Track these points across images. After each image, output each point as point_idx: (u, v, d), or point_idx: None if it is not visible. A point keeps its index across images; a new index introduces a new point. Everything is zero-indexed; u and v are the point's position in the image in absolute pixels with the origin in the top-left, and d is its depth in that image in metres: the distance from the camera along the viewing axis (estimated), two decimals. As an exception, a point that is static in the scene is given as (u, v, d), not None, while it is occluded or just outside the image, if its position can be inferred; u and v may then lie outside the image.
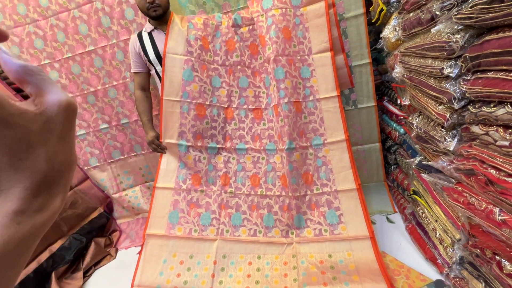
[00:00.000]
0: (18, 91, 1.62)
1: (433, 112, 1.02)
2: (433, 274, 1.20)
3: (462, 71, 0.84)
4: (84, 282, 1.55)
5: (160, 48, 1.43)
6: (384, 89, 1.89)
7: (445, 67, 0.88)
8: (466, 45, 0.81)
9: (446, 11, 0.86)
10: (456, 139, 0.94)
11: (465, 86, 0.83)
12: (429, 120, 1.13)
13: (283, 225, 1.39)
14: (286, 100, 1.38)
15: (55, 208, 0.20)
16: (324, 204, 1.39)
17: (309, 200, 1.41)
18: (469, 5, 0.74)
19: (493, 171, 0.76)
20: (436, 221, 1.18)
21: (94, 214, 1.84)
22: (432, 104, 1.04)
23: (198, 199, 1.44)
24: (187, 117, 1.43)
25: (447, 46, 0.85)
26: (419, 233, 1.34)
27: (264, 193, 1.43)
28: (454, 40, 0.82)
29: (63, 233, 1.63)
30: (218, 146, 1.48)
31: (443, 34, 0.87)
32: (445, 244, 1.12)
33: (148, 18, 1.45)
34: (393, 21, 1.40)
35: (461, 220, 0.99)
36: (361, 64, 1.69)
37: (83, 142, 1.88)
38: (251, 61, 1.50)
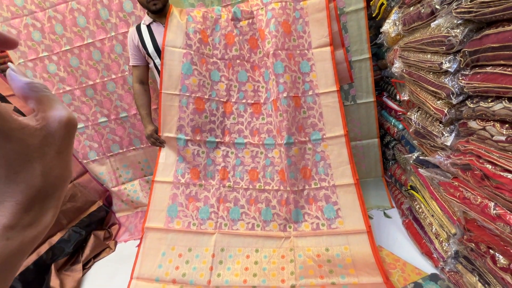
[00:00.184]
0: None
1: (431, 107, 1.02)
2: (428, 268, 1.22)
3: (461, 66, 0.84)
4: (83, 274, 1.56)
5: (159, 41, 1.41)
6: (384, 84, 1.89)
7: (444, 62, 0.88)
8: (465, 40, 0.81)
9: (446, 5, 0.86)
10: (453, 134, 0.95)
11: (463, 81, 0.83)
12: (428, 115, 1.13)
13: (281, 219, 1.40)
14: (285, 94, 1.38)
15: (46, 223, 0.20)
16: (322, 198, 1.40)
17: (307, 194, 1.42)
18: (469, -1, 0.74)
19: (489, 166, 0.77)
20: (433, 216, 1.19)
21: (93, 208, 1.85)
22: (430, 99, 1.04)
23: (197, 193, 1.44)
24: (186, 111, 1.42)
25: (446, 41, 0.85)
26: (416, 228, 1.35)
27: (263, 188, 1.43)
28: (453, 34, 0.82)
29: (62, 226, 1.64)
30: (216, 140, 1.48)
31: (442, 29, 0.87)
32: (441, 239, 1.13)
33: (146, 11, 1.43)
34: (393, 16, 1.39)
35: (457, 214, 1.00)
36: (360, 59, 1.68)
37: (82, 136, 1.88)
38: (250, 55, 1.49)
